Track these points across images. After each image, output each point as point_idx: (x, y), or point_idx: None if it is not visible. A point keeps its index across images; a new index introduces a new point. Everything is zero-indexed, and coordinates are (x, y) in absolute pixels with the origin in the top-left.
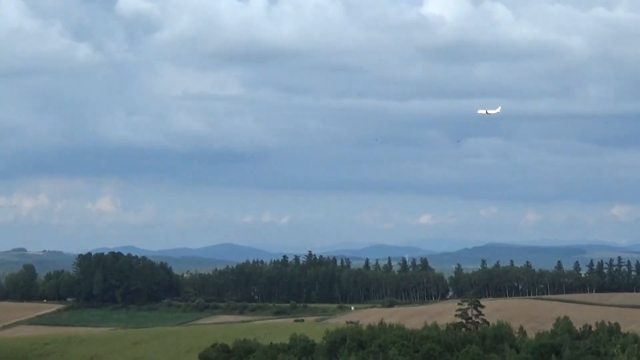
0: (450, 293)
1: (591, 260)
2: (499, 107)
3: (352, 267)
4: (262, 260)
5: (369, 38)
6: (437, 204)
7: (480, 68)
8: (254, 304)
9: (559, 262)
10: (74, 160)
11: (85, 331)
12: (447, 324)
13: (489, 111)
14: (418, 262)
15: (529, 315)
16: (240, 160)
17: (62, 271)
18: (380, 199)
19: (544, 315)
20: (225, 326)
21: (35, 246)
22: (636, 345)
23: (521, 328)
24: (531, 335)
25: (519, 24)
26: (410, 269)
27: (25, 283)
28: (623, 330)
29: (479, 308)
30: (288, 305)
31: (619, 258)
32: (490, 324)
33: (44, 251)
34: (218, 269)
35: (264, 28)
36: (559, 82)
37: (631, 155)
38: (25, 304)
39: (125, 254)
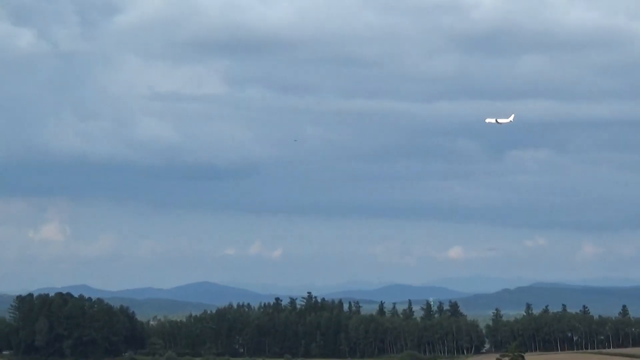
0: (487, 346)
1: None
2: (512, 115)
3: (362, 312)
4: (248, 304)
5: (386, 24)
6: (471, 233)
7: (524, 62)
8: (239, 358)
9: (624, 306)
10: (10, 177)
11: None
12: None
13: (499, 120)
14: (446, 307)
15: None
16: (223, 177)
17: None
18: (399, 227)
19: None
20: None
21: None
22: None
23: None
24: None
25: (574, 6)
26: (437, 315)
27: None
28: None
29: None
30: None
31: None
32: None
33: None
34: (193, 314)
35: (253, 11)
36: (624, 79)
37: None
38: None
39: (76, 295)
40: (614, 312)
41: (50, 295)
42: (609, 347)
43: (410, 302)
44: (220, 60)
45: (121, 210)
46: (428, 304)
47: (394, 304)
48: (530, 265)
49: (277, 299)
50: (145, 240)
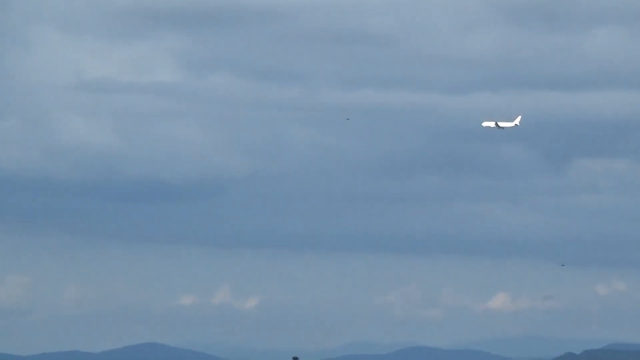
0: None
1: None
2: (519, 118)
3: None
4: None
5: None
6: (521, 275)
7: (597, 37)
8: None
9: None
10: None
11: None
12: None
13: (500, 123)
14: None
15: None
16: (177, 197)
17: None
18: (420, 266)
19: None
20: None
21: None
22: None
23: None
24: None
25: None
26: None
27: None
28: None
29: None
30: None
31: None
32: None
33: None
34: None
35: None
36: None
37: None
38: None
39: None
40: None
41: None
42: None
43: None
44: (174, 37)
45: (34, 243)
46: None
47: None
48: (605, 320)
49: None
50: (68, 285)
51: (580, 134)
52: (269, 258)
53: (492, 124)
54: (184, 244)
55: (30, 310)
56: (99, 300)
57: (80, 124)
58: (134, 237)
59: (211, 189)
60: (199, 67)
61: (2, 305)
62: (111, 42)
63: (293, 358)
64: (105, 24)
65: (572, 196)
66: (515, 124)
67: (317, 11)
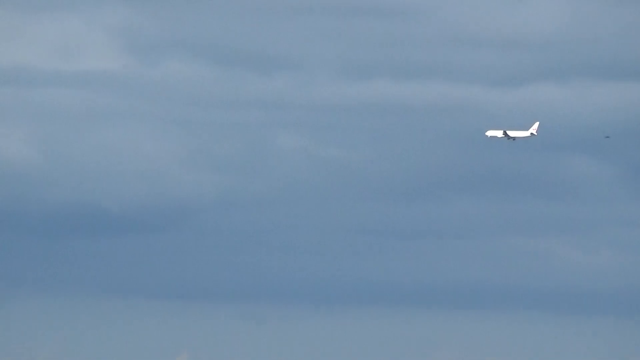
0: None
1: None
2: (537, 124)
3: None
4: None
5: None
6: (609, 336)
7: None
8: None
9: None
10: None
11: None
12: None
13: (510, 132)
14: None
15: None
16: (119, 231)
17: None
18: (461, 327)
19: None
20: None
21: None
22: None
23: None
24: None
25: None
26: None
27: None
28: None
29: None
30: None
31: None
32: None
33: None
34: None
35: None
36: None
37: None
38: None
39: None
40: None
41: None
42: None
43: None
44: (114, 9)
45: None
46: None
47: None
48: None
49: None
50: None
51: None
52: (247, 315)
53: (499, 134)
54: (129, 296)
55: None
56: None
57: None
58: (57, 285)
59: (167, 218)
60: (148, 50)
61: None
62: (27, 15)
63: None
64: None
65: None
66: (532, 133)
67: None
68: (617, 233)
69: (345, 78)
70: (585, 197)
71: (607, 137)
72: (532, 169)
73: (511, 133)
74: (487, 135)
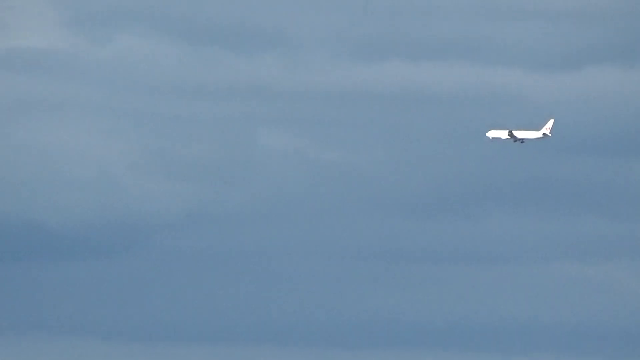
0: None
1: None
2: (551, 122)
3: None
4: None
5: None
6: None
7: None
8: None
9: None
10: None
11: None
12: None
13: (517, 133)
14: None
15: None
16: (65, 254)
17: None
18: None
19: None
20: None
21: None
22: None
23: None
24: None
25: None
26: None
27: None
28: None
29: None
30: None
31: None
32: None
33: None
34: None
35: None
36: None
37: None
38: None
39: None
40: None
41: None
42: None
43: None
44: None
45: None
46: None
47: None
48: None
49: None
50: None
51: None
52: None
53: (503, 135)
54: (69, 335)
55: None
56: None
57: None
58: None
59: (121, 239)
60: (97, 22)
61: None
62: None
63: None
64: None
65: None
66: (544, 134)
67: None
68: None
69: (348, 60)
70: None
71: None
72: (585, 177)
73: (519, 134)
74: (488, 137)
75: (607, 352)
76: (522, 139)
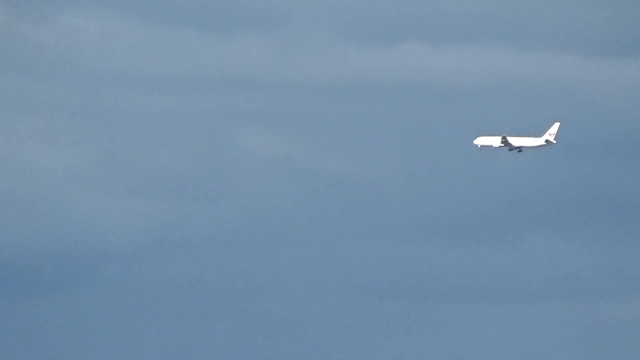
0: None
1: None
2: (556, 126)
3: None
4: None
5: None
6: None
7: None
8: None
9: None
10: None
11: None
12: None
13: (512, 140)
14: None
15: None
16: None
17: None
18: None
19: None
20: None
21: None
22: None
23: None
24: None
25: None
26: None
27: None
28: None
29: None
30: None
31: None
32: None
33: None
34: None
35: None
36: None
37: None
38: None
39: None
40: None
41: None
42: None
43: None
44: None
45: None
46: None
47: None
48: None
49: None
50: None
51: None
52: None
53: (494, 142)
54: None
55: None
56: None
57: None
58: None
59: (67, 270)
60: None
61: None
62: None
63: None
64: None
65: None
66: (547, 140)
67: None
68: None
69: (350, 44)
70: None
71: None
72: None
73: (515, 141)
74: (476, 145)
75: None
76: (520, 147)
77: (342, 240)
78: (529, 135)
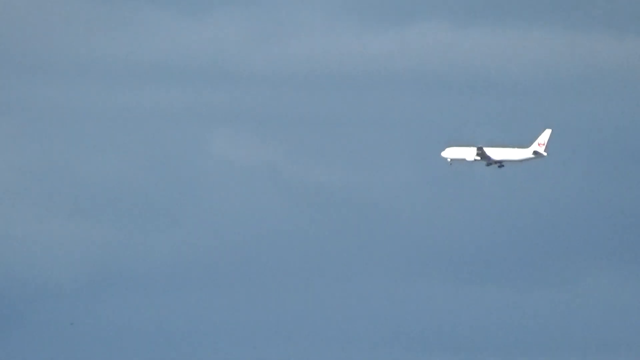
0: None
1: None
2: (548, 132)
3: None
4: None
5: None
6: None
7: None
8: None
9: None
10: None
11: None
12: None
13: (489, 152)
14: None
15: None
16: None
17: None
18: None
19: None
20: None
21: None
22: None
23: None
24: None
25: None
26: None
27: None
28: None
29: None
30: None
31: None
32: None
33: None
34: None
35: None
36: None
37: None
38: None
39: None
40: None
41: None
42: None
43: None
44: None
45: None
46: None
47: None
48: None
49: None
50: None
51: None
52: None
53: (468, 154)
54: None
55: None
56: None
57: None
58: None
59: (6, 307)
60: None
61: None
62: None
63: None
64: None
65: None
66: (536, 152)
67: None
68: None
69: (349, 24)
70: None
71: None
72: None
73: (494, 153)
74: (445, 158)
75: None
76: (500, 162)
77: (333, 273)
78: (513, 146)
